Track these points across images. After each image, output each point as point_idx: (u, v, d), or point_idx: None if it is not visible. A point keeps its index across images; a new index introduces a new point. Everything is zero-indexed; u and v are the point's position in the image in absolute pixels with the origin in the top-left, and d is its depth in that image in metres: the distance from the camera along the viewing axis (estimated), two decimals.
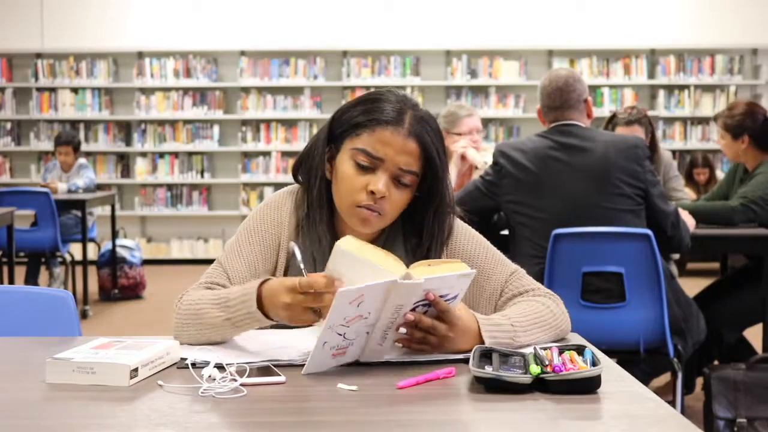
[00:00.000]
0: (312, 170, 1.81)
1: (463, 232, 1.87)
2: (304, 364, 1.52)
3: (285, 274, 1.82)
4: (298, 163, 1.87)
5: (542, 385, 1.40)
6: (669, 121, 9.62)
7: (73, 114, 9.70)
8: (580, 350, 1.52)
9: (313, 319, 1.54)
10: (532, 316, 1.71)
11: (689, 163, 8.32)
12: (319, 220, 1.80)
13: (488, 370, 1.42)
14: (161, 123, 9.73)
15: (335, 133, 1.80)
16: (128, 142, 9.78)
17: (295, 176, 1.88)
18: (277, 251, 1.82)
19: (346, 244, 1.55)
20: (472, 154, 4.18)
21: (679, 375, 3.40)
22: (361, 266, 1.51)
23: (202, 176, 9.74)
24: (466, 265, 1.60)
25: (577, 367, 1.42)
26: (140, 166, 9.75)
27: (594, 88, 9.34)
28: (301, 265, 1.59)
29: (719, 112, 4.29)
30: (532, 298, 1.79)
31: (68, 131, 7.69)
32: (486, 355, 1.50)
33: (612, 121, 4.52)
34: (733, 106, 4.24)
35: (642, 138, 3.54)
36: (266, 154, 9.70)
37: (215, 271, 1.79)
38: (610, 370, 1.51)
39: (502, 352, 1.52)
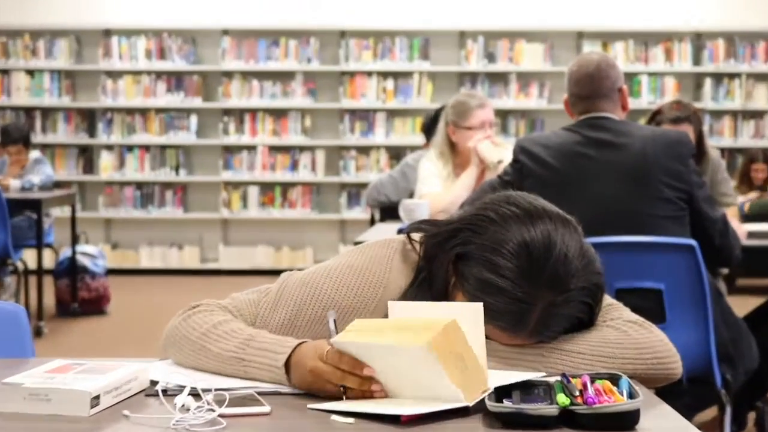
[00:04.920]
0: (434, 278, 1.72)
1: None
2: (291, 393, 1.54)
3: None
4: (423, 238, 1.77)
5: (571, 419, 1.39)
6: (716, 114, 9.63)
7: (28, 100, 9.72)
8: (614, 379, 1.51)
9: (337, 393, 1.52)
10: (580, 338, 1.67)
11: (747, 159, 8.29)
12: None
13: (507, 404, 1.40)
14: (130, 112, 9.74)
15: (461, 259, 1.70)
16: (92, 133, 9.80)
17: (408, 236, 1.79)
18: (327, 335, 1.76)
19: (437, 347, 1.44)
20: (484, 149, 4.17)
21: (728, 409, 3.39)
22: (436, 375, 1.45)
23: (177, 173, 9.76)
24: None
25: (613, 399, 1.41)
26: (105, 160, 9.77)
27: (630, 76, 9.35)
28: (334, 333, 1.58)
29: None
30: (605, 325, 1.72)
31: (14, 124, 7.59)
32: (505, 389, 1.49)
33: (655, 119, 4.51)
34: None
35: (687, 133, 3.54)
36: (251, 148, 9.72)
37: (248, 308, 1.75)
38: (649, 403, 1.51)
39: (523, 383, 1.51)
